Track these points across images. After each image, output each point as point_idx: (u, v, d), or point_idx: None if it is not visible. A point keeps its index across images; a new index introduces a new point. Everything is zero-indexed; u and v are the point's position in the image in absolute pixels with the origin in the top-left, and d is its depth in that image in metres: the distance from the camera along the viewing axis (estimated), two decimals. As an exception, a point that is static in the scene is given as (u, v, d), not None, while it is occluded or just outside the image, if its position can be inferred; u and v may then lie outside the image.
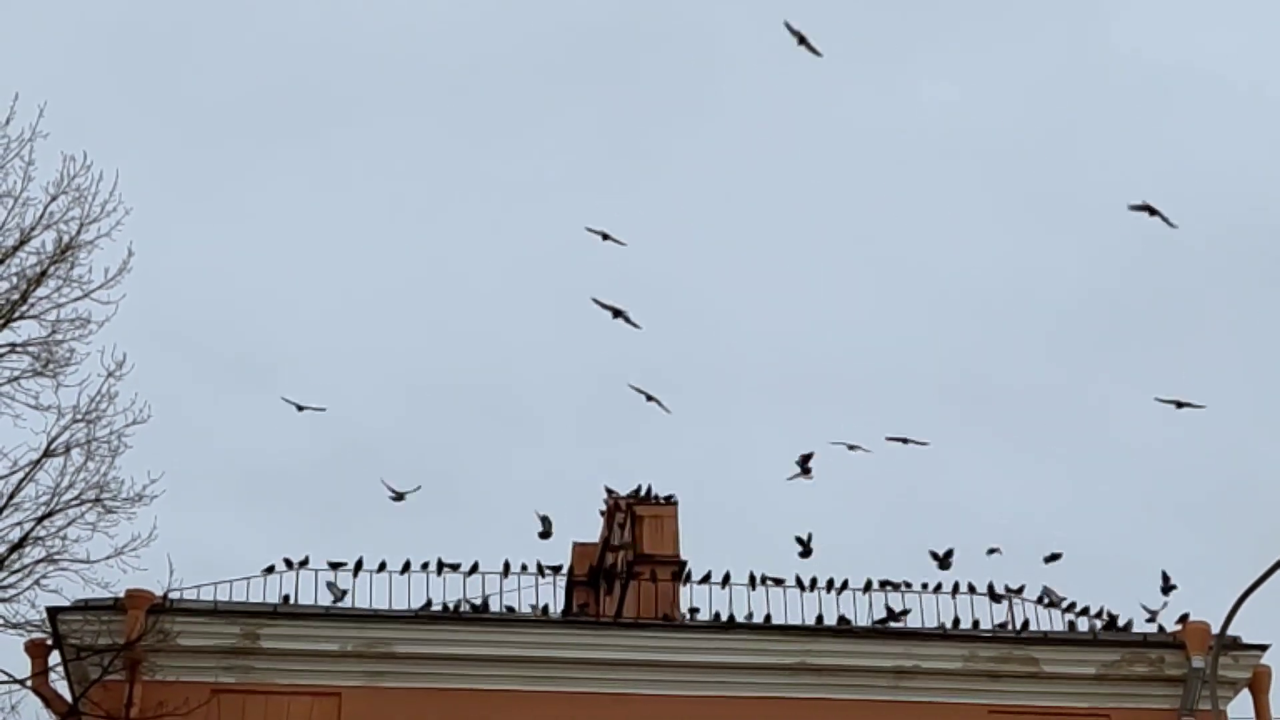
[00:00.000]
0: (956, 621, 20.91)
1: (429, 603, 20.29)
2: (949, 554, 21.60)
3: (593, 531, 24.55)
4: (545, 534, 22.00)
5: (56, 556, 17.53)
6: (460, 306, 50.12)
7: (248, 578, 20.08)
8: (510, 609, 20.62)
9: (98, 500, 17.74)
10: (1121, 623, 21.23)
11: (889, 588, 21.08)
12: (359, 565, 20.38)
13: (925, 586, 21.11)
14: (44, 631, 18.77)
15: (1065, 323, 52.36)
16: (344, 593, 20.12)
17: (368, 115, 54.64)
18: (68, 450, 17.73)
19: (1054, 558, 21.74)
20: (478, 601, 20.51)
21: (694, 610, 20.85)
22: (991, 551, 21.81)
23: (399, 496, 22.00)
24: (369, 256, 51.27)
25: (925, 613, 20.93)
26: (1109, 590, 21.74)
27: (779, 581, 20.82)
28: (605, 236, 22.39)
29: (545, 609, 20.84)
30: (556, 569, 21.45)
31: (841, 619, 20.70)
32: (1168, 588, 21.41)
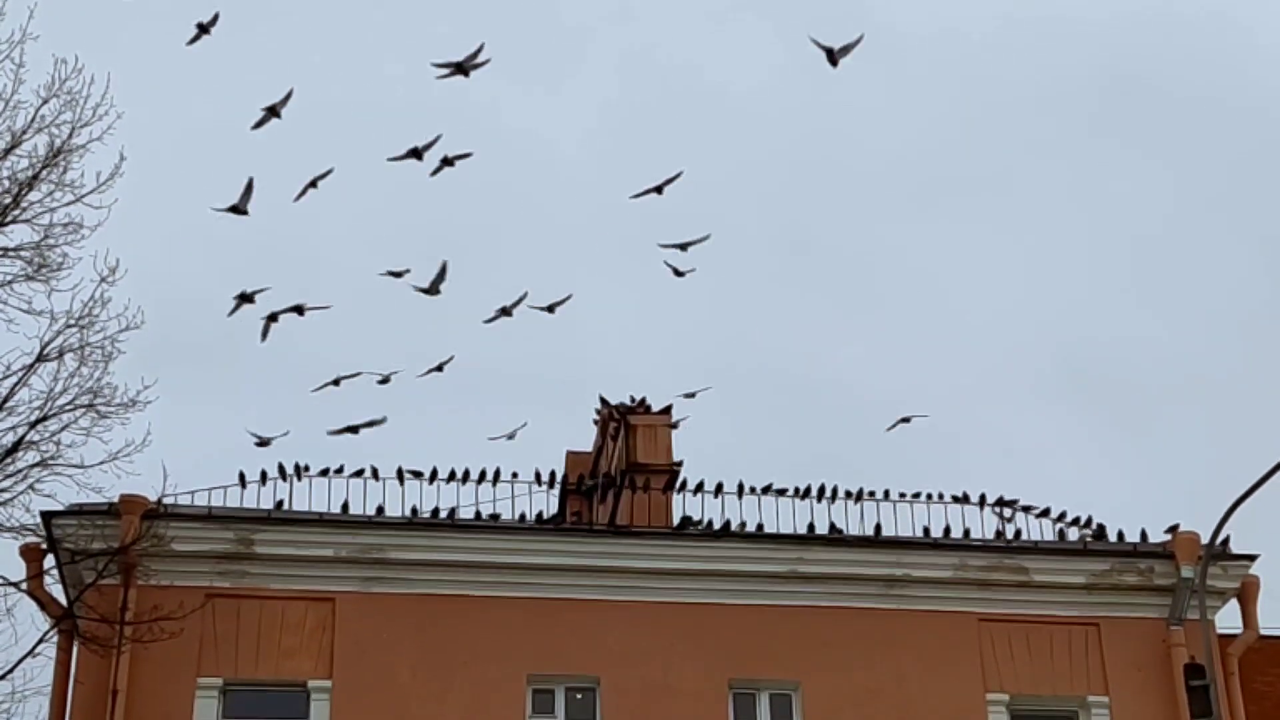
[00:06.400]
0: (947, 530, 21.04)
1: (415, 510, 20.35)
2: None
3: (586, 440, 24.66)
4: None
5: (50, 461, 17.46)
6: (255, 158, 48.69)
7: (242, 483, 20.17)
8: (495, 516, 20.71)
9: (91, 405, 17.67)
10: (1111, 534, 21.38)
11: (880, 497, 21.21)
12: (358, 472, 20.48)
13: (917, 496, 21.24)
14: (38, 535, 18.80)
15: (888, 176, 51.60)
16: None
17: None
18: (61, 355, 17.63)
19: None
20: (474, 508, 20.63)
21: (687, 519, 20.95)
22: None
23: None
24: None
25: (916, 521, 21.10)
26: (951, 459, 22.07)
27: (768, 490, 20.92)
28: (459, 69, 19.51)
29: (539, 516, 20.94)
30: (552, 477, 21.52)
31: (833, 527, 20.82)
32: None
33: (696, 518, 20.84)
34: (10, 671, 17.61)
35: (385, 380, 21.51)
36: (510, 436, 21.90)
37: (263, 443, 20.51)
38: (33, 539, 18.82)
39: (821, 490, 21.01)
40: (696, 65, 51.36)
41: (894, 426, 22.62)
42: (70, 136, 17.71)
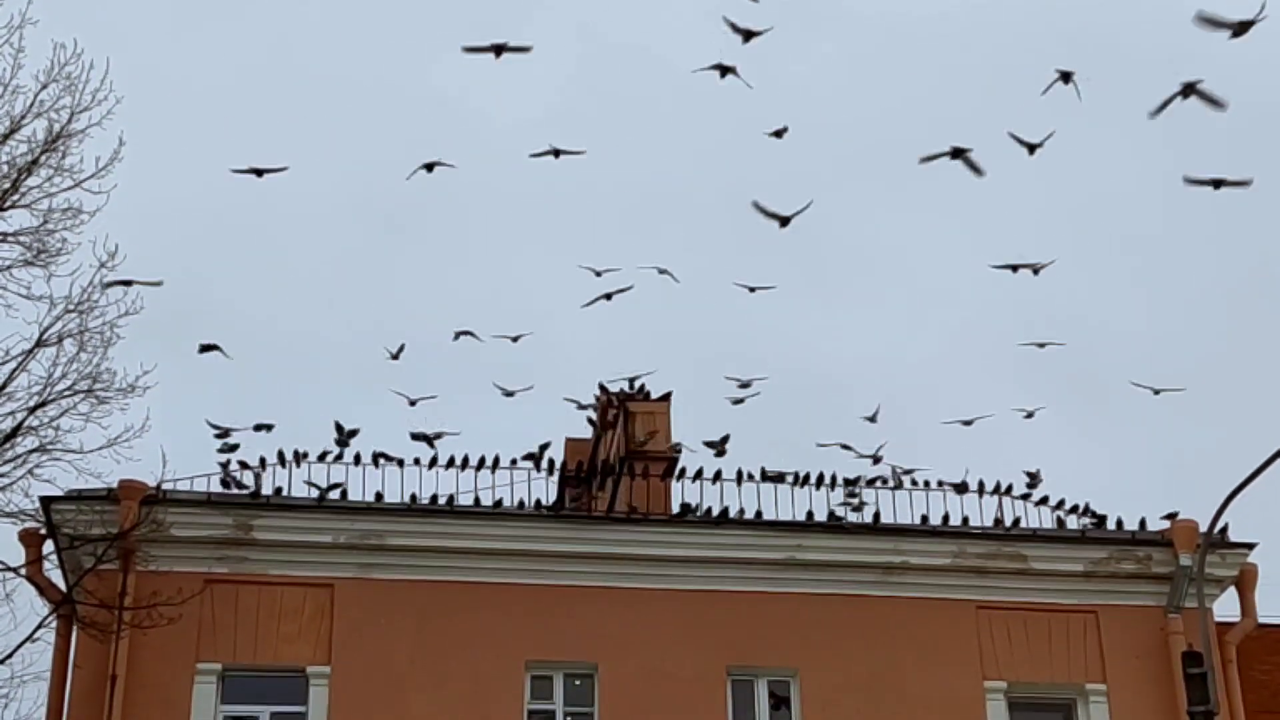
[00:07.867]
0: (946, 518, 21.03)
1: (414, 496, 20.34)
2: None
3: (584, 427, 24.61)
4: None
5: (49, 446, 17.44)
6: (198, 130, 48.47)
7: (241, 469, 20.18)
8: (498, 503, 20.69)
9: (90, 391, 17.65)
10: (1110, 522, 21.38)
11: (879, 484, 21.21)
12: (357, 459, 20.47)
13: (916, 483, 21.24)
14: (38, 521, 18.82)
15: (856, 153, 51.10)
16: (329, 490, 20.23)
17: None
18: (60, 340, 17.60)
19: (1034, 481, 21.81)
20: (473, 495, 20.63)
21: (686, 506, 20.95)
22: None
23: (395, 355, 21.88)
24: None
25: (915, 509, 21.09)
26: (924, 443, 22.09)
27: (766, 476, 20.90)
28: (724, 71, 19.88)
29: (538, 503, 20.93)
30: (550, 464, 21.49)
31: (832, 515, 20.82)
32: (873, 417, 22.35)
33: (695, 504, 20.86)
34: (9, 656, 17.66)
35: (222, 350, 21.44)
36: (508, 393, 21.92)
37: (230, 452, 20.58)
38: (32, 524, 18.83)
39: (820, 478, 21.03)
40: (647, 40, 51.05)
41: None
42: (69, 122, 17.68)
